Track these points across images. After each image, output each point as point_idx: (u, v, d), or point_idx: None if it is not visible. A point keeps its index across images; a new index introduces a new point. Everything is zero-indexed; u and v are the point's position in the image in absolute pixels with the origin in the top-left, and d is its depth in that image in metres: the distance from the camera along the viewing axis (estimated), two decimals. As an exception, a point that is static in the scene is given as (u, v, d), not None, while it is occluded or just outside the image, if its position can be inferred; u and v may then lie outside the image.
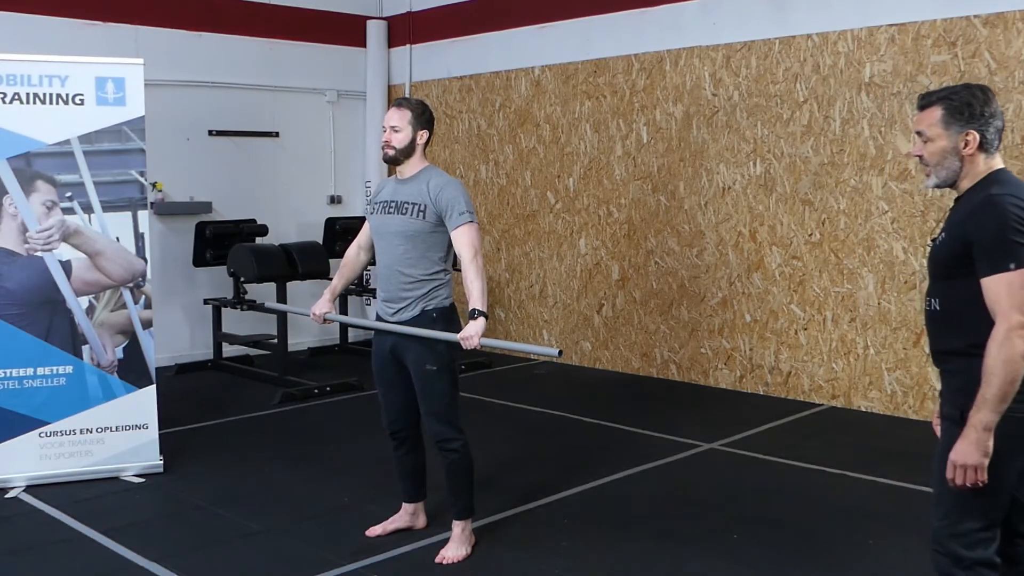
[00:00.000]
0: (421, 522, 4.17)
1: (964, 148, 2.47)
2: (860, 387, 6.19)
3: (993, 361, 2.30)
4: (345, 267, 4.17)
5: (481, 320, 3.59)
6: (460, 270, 3.76)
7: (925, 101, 2.54)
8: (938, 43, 5.73)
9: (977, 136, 2.46)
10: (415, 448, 4.06)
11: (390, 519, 4.14)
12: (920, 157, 2.57)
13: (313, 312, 4.10)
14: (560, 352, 3.67)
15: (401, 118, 3.80)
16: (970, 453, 2.34)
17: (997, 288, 2.33)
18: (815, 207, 6.33)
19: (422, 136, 3.83)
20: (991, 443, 2.33)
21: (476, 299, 3.64)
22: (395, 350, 3.86)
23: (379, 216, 3.89)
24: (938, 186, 2.56)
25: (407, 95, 8.81)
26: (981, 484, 2.36)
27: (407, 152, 3.82)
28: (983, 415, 2.32)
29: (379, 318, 3.94)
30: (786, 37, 6.40)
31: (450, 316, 3.85)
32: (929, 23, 5.76)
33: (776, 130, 6.48)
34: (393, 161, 3.84)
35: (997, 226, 2.35)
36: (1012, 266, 2.31)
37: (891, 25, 5.92)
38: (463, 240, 3.72)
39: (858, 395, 6.21)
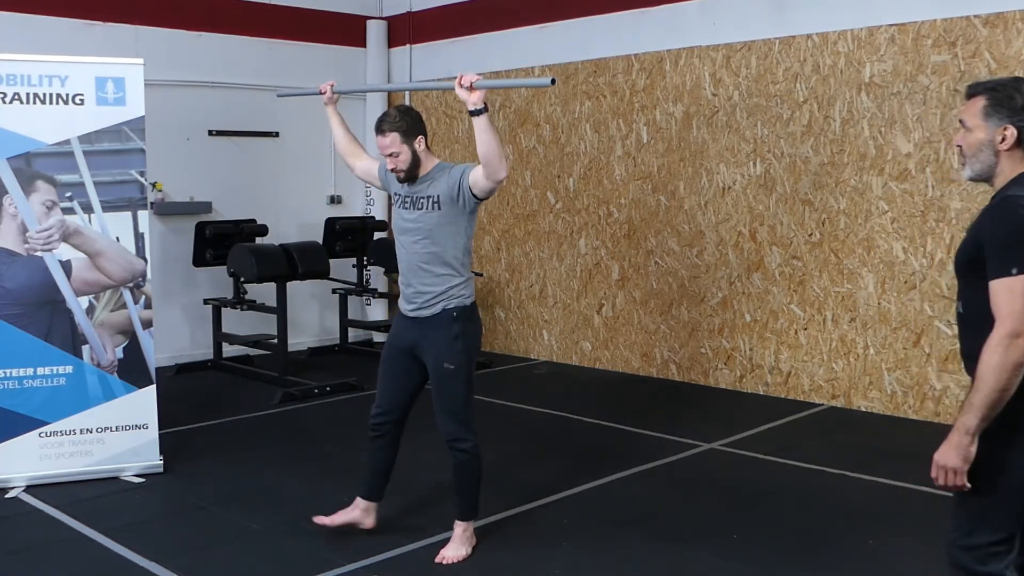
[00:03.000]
0: (370, 522, 4.09)
1: (1000, 143, 2.37)
2: (860, 387, 6.19)
3: (984, 366, 2.24)
4: (350, 137, 4.27)
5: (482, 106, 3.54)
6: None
7: (972, 90, 2.44)
8: (938, 43, 5.73)
9: (1015, 132, 2.35)
10: (391, 444, 4.01)
11: (340, 511, 4.08)
12: (960, 147, 2.47)
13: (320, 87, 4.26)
14: (553, 81, 3.55)
15: (392, 142, 3.73)
16: (950, 456, 2.29)
17: (998, 293, 2.26)
18: (815, 207, 6.33)
19: (420, 143, 3.78)
20: (973, 448, 2.28)
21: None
22: (415, 348, 3.85)
23: (397, 210, 3.88)
24: (972, 179, 2.46)
25: (406, 95, 8.81)
26: (963, 488, 2.30)
27: (415, 165, 3.78)
28: (967, 419, 2.27)
29: (400, 314, 3.93)
30: (786, 37, 6.40)
31: (470, 315, 3.83)
32: (929, 23, 5.76)
33: (776, 130, 6.48)
34: (410, 179, 3.80)
35: (1005, 228, 2.27)
36: (1014, 271, 2.23)
37: (891, 25, 5.92)
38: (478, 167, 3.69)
39: (858, 395, 6.21)
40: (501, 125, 8.21)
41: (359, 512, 4.09)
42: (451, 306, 3.76)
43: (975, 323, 2.35)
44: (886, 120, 5.96)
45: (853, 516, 4.30)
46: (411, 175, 3.78)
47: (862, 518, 4.27)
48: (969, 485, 2.30)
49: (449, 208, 3.73)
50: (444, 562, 3.82)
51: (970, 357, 2.38)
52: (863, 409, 6.17)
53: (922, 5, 5.79)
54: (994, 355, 2.23)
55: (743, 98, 6.63)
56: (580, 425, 6.00)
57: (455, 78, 3.58)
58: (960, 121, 2.47)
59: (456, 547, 3.87)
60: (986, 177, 2.43)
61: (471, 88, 3.52)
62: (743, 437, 5.63)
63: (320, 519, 4.09)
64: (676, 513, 4.42)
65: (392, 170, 3.79)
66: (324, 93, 4.25)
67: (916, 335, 5.92)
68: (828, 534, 4.12)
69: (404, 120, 3.75)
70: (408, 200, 3.82)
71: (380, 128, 3.76)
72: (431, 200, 3.74)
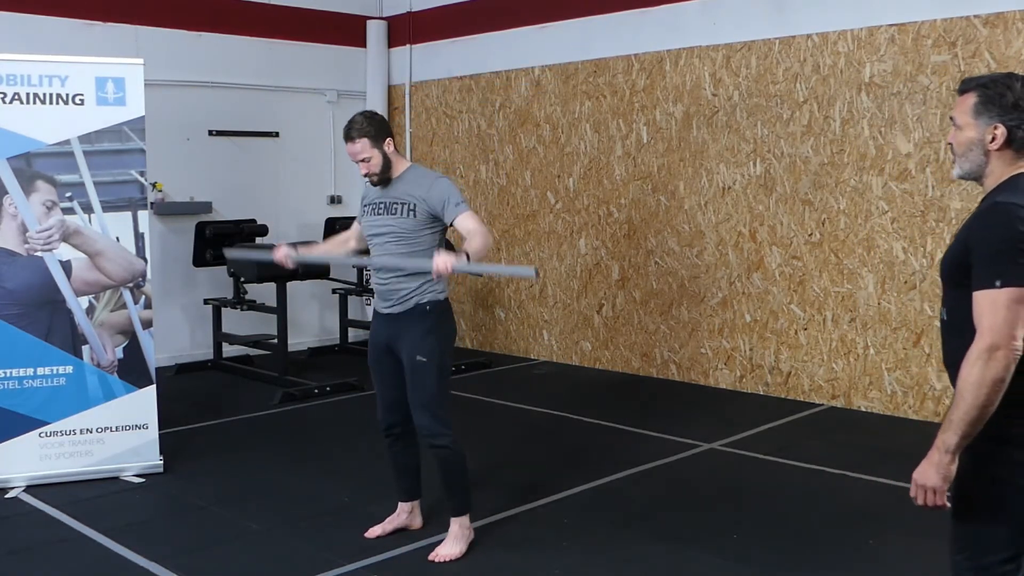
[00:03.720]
0: (417, 522, 4.18)
1: (990, 142, 2.26)
2: (860, 387, 6.19)
3: (963, 382, 2.14)
4: (331, 243, 4.33)
5: (463, 257, 3.51)
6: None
7: (964, 86, 2.33)
8: (938, 43, 5.73)
9: (1005, 131, 2.24)
10: (409, 445, 4.06)
11: (388, 519, 4.14)
12: (951, 145, 2.35)
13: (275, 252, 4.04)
14: (536, 272, 3.48)
15: (363, 148, 3.77)
16: (929, 475, 2.20)
17: (981, 304, 2.15)
18: (815, 207, 6.33)
19: (389, 145, 3.83)
20: (953, 467, 2.18)
21: (469, 244, 3.62)
22: (390, 343, 3.89)
23: (369, 217, 3.91)
24: (962, 177, 2.37)
25: (406, 95, 8.82)
26: (943, 507, 2.22)
27: (387, 167, 3.83)
28: (947, 436, 2.17)
29: (375, 313, 3.98)
30: (786, 37, 6.40)
31: (444, 310, 3.88)
32: (929, 23, 5.76)
33: (776, 130, 6.48)
34: (383, 183, 3.85)
35: (997, 235, 2.15)
36: (998, 283, 2.12)
37: (891, 25, 5.92)
38: (469, 224, 3.69)
39: (858, 395, 6.21)
40: (501, 125, 8.22)
41: (405, 516, 4.16)
42: (424, 301, 3.81)
43: (959, 331, 2.25)
44: (886, 120, 5.96)
45: (853, 516, 4.30)
46: (384, 178, 3.83)
47: (862, 518, 4.27)
48: (949, 505, 2.23)
49: (425, 217, 3.79)
50: (437, 559, 3.82)
51: (954, 366, 2.30)
52: (863, 409, 6.17)
53: (922, 5, 5.79)
54: (973, 370, 2.13)
55: (743, 98, 6.63)
56: (580, 425, 6.00)
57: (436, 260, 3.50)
58: (951, 118, 2.39)
59: (450, 544, 3.87)
60: (976, 176, 2.34)
61: (449, 271, 3.48)
62: (743, 437, 5.63)
63: (372, 531, 4.10)
64: (676, 513, 4.42)
65: (366, 175, 3.84)
66: (280, 262, 4.03)
67: (916, 335, 5.92)
68: (828, 534, 4.12)
69: (371, 125, 3.80)
70: (382, 206, 3.85)
71: (349, 135, 3.80)
72: (406, 207, 3.79)
